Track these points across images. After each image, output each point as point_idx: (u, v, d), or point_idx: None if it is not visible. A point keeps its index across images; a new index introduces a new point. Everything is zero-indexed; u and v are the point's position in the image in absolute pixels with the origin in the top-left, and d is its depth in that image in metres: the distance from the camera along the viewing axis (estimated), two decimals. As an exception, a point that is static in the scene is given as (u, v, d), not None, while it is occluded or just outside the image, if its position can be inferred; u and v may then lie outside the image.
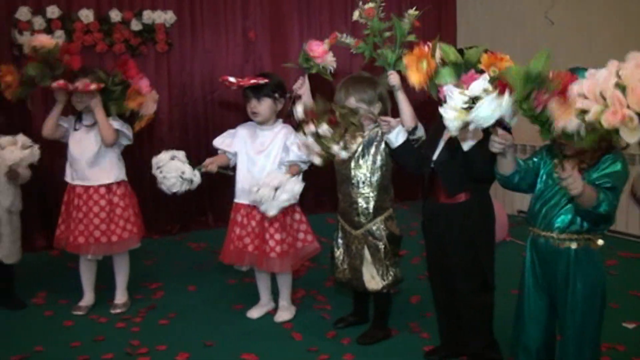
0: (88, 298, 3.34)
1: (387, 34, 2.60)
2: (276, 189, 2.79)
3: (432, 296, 2.72)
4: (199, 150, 4.79)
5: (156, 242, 4.44)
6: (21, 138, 3.09)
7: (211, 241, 4.47)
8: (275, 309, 3.23)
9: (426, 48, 2.17)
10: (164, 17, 4.48)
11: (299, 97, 2.92)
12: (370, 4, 2.61)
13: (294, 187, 2.83)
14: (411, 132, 2.63)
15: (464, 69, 2.06)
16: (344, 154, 2.56)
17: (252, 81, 2.97)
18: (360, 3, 2.67)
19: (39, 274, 3.85)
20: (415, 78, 2.14)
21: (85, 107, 3.13)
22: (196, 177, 3.03)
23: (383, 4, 2.62)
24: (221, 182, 4.65)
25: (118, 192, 3.21)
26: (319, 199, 5.13)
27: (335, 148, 2.51)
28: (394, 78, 2.56)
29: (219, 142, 3.18)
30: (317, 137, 2.51)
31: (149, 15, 4.41)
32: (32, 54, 3.05)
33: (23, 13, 4.08)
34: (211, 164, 3.09)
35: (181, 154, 3.06)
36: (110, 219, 3.17)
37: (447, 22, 5.58)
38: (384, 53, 2.58)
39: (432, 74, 2.10)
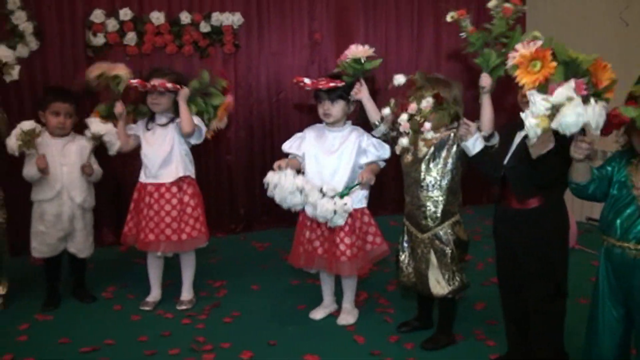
0: (155, 294, 3.41)
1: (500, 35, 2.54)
2: (335, 211, 2.80)
3: (501, 303, 2.65)
4: (263, 150, 4.85)
5: (220, 241, 4.49)
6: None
7: (274, 241, 4.52)
8: (338, 311, 3.23)
9: (537, 48, 2.08)
10: (232, 18, 4.53)
11: (358, 101, 2.99)
12: (508, 5, 2.52)
13: (346, 205, 2.82)
14: (487, 138, 2.57)
15: (573, 72, 1.96)
16: (431, 134, 2.59)
17: (332, 84, 2.97)
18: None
19: (107, 268, 3.96)
20: (527, 79, 2.06)
21: (162, 108, 3.22)
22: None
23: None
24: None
25: (189, 191, 3.27)
26: (382, 202, 5.09)
27: (427, 125, 2.55)
28: (486, 80, 2.52)
29: (287, 146, 3.19)
30: (411, 116, 2.56)
31: (217, 17, 4.48)
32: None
33: (97, 15, 4.20)
34: (286, 166, 3.10)
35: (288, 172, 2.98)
36: (181, 218, 3.23)
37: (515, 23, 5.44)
38: (488, 53, 2.53)
39: (549, 76, 2.00)
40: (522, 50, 2.03)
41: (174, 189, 3.23)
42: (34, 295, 3.45)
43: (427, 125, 2.56)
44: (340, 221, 2.84)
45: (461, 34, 2.61)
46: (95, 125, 3.26)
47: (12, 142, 3.09)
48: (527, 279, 2.47)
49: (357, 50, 2.93)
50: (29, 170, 3.23)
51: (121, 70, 3.27)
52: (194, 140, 3.31)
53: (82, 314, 3.28)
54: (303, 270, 3.24)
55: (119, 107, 3.26)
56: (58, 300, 3.40)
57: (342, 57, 3.00)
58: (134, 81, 3.11)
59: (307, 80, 3.02)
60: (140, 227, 3.26)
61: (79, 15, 4.22)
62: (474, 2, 4.76)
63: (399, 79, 2.67)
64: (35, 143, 3.15)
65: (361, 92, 2.97)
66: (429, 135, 2.59)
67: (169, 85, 3.10)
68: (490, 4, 2.55)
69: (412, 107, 2.59)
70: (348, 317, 3.16)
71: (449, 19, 2.62)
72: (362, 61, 2.92)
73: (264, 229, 4.90)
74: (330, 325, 3.14)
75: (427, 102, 2.55)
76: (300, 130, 3.25)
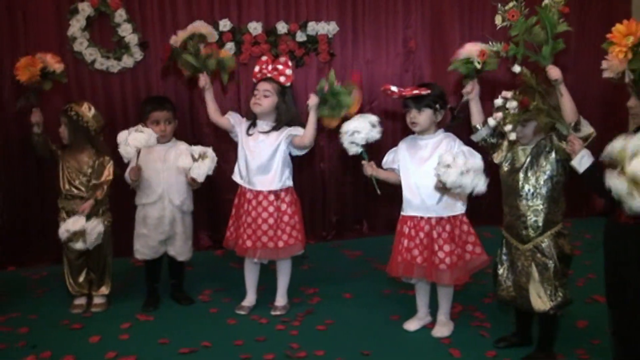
0: (250, 298, 3.47)
1: (537, 28, 2.50)
2: (463, 172, 2.70)
3: (609, 320, 2.52)
4: (356, 159, 4.82)
5: (311, 248, 4.51)
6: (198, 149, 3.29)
7: (365, 250, 4.50)
8: (432, 323, 3.17)
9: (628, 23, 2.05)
10: (327, 28, 4.56)
11: (467, 102, 2.96)
12: (511, 4, 2.59)
13: (481, 184, 2.71)
14: (575, 128, 2.49)
15: None
16: (512, 135, 2.58)
17: (415, 92, 2.94)
18: (499, 5, 2.60)
19: (204, 272, 4.07)
20: (617, 54, 2.03)
21: (261, 110, 3.27)
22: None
23: (524, 1, 2.58)
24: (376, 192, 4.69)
25: (286, 199, 3.30)
26: (475, 212, 4.96)
27: (509, 127, 2.55)
28: (554, 72, 2.48)
29: (384, 161, 3.18)
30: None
31: (313, 27, 4.52)
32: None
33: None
34: (372, 169, 3.11)
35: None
36: (278, 226, 3.27)
37: (617, 12, 5.17)
38: (537, 33, 2.48)
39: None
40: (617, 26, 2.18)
41: (272, 197, 3.27)
42: (134, 296, 3.59)
43: (508, 127, 2.55)
44: (449, 178, 2.71)
45: (501, 55, 2.74)
46: (182, 160, 3.27)
47: (126, 149, 3.16)
48: (636, 296, 2.33)
49: (472, 49, 2.88)
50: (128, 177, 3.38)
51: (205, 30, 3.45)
52: (299, 152, 3.35)
53: (180, 316, 3.38)
54: (396, 280, 3.20)
55: (202, 81, 3.35)
56: (157, 301, 3.52)
57: (456, 55, 2.97)
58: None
59: (393, 88, 2.99)
60: (238, 233, 3.32)
61: (181, 26, 4.36)
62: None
63: (516, 69, 2.58)
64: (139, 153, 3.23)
65: (472, 93, 2.92)
66: (512, 136, 2.58)
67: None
68: (497, 21, 2.65)
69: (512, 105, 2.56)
70: (443, 329, 3.09)
71: (498, 22, 2.62)
72: (475, 61, 2.87)
73: (354, 237, 4.88)
74: (425, 337, 3.08)
75: (512, 106, 2.53)
76: (393, 139, 3.22)
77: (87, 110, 3.40)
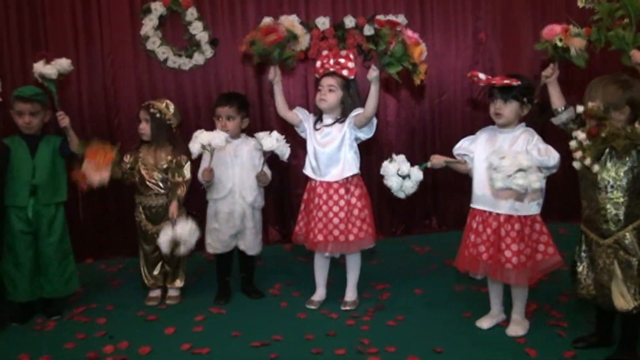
0: (320, 293, 3.47)
1: (620, 12, 2.39)
2: (519, 170, 2.62)
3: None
4: (424, 154, 4.77)
5: (380, 243, 4.47)
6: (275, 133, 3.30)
7: (435, 245, 4.44)
8: (506, 321, 3.09)
9: None
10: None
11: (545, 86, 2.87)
12: None
13: (534, 181, 2.62)
14: None
15: None
16: (596, 168, 2.55)
17: (506, 81, 2.85)
18: None
19: (274, 266, 4.10)
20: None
21: (328, 105, 3.28)
22: (414, 173, 3.01)
23: None
24: (446, 186, 4.62)
25: (356, 193, 3.30)
26: (548, 208, 4.81)
27: (588, 161, 2.52)
28: (638, 55, 2.38)
29: (457, 146, 3.11)
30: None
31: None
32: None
33: (267, 22, 4.37)
34: (438, 160, 3.08)
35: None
36: (348, 219, 3.26)
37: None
38: (618, 33, 2.36)
39: None
40: None
41: (342, 191, 3.27)
42: (207, 289, 3.66)
43: (588, 160, 2.53)
44: (498, 184, 2.65)
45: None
46: (267, 141, 3.28)
47: (193, 146, 3.21)
48: None
49: (555, 29, 2.79)
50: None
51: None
52: (364, 135, 3.32)
53: (251, 309, 3.42)
54: (468, 276, 3.14)
55: (271, 73, 3.36)
56: (229, 294, 3.58)
57: (545, 34, 2.86)
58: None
59: (481, 76, 2.90)
60: (309, 227, 3.33)
61: (249, 23, 4.42)
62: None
63: (579, 109, 2.56)
64: (212, 154, 3.27)
65: (552, 77, 2.82)
66: (595, 169, 2.56)
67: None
68: (580, 3, 2.68)
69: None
70: (518, 328, 3.01)
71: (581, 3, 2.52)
72: (557, 39, 2.76)
73: (423, 232, 4.83)
74: (499, 335, 3.01)
75: (582, 138, 2.54)
76: (463, 132, 3.15)
77: (168, 107, 3.48)
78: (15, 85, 4.07)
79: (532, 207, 2.91)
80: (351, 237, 3.26)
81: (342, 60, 3.33)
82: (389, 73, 3.15)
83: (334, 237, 3.25)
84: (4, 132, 3.62)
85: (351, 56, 3.37)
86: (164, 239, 3.22)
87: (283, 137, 3.30)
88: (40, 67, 3.26)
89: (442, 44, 4.71)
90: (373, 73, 3.15)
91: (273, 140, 3.24)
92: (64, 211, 3.42)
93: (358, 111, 3.26)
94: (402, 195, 3.02)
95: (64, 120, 3.29)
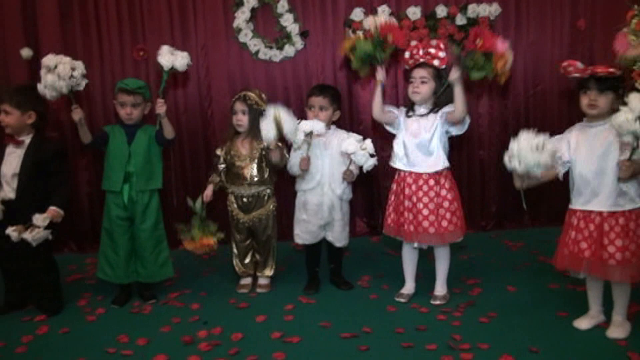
0: (409, 286, 3.44)
1: None
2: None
3: None
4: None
5: (471, 237, 4.39)
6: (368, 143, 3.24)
7: (528, 241, 4.31)
8: (606, 322, 2.95)
9: None
10: (489, 9, 4.38)
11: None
12: None
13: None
14: None
15: None
16: None
17: (610, 69, 2.72)
18: None
19: (362, 258, 4.10)
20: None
21: (421, 97, 3.23)
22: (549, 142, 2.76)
23: None
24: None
25: (446, 185, 3.24)
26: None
27: None
28: None
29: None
30: None
31: (474, 9, 4.36)
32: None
33: (357, 14, 4.36)
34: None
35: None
36: (438, 211, 3.21)
37: None
38: None
39: None
40: None
41: (432, 182, 3.22)
42: (295, 279, 3.70)
43: None
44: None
45: None
46: (346, 143, 3.22)
47: (295, 137, 3.21)
48: None
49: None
50: (293, 165, 3.46)
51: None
52: (456, 131, 3.27)
53: (340, 300, 3.43)
54: (563, 275, 3.02)
55: (380, 74, 3.27)
56: (318, 285, 3.60)
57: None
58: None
59: (579, 65, 2.78)
60: (399, 219, 3.30)
61: (339, 14, 4.42)
62: None
63: None
64: (310, 143, 3.28)
65: None
66: None
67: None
68: None
69: None
70: (619, 330, 2.87)
71: None
72: None
73: (515, 227, 4.69)
74: (599, 337, 2.87)
75: None
76: (559, 125, 3.02)
77: (262, 98, 3.53)
78: (114, 76, 4.28)
79: (634, 200, 2.77)
80: (441, 230, 3.21)
81: (432, 51, 3.27)
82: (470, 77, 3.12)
83: (423, 228, 3.20)
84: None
85: (442, 45, 3.30)
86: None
87: (370, 148, 3.21)
88: (163, 56, 3.37)
89: (537, 32, 4.55)
90: (454, 74, 3.10)
91: (351, 145, 3.20)
92: (158, 198, 3.54)
93: (451, 108, 3.19)
94: (538, 171, 2.72)
95: (162, 108, 3.40)
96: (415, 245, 3.31)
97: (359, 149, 3.18)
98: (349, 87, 4.47)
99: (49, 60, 3.24)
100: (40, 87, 3.22)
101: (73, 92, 3.30)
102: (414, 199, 3.22)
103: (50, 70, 3.21)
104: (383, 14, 4.31)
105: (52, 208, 3.16)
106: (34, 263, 3.28)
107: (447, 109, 3.22)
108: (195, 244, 3.34)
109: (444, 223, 3.21)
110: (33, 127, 3.30)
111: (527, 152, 2.62)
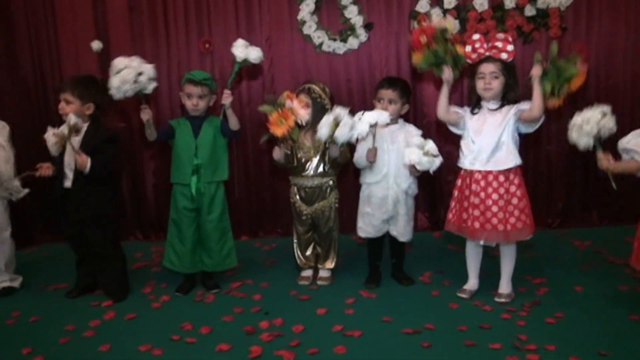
0: (472, 283, 3.38)
1: None
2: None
3: None
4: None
5: (536, 235, 4.25)
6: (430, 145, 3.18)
7: (596, 240, 4.18)
8: (681, 329, 2.84)
9: None
10: (559, 0, 4.25)
11: None
12: None
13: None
14: None
15: None
16: None
17: None
18: None
19: (424, 253, 4.06)
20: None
21: (493, 94, 3.16)
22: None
23: None
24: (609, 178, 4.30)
25: (515, 181, 3.15)
26: None
27: None
28: None
29: (624, 140, 2.89)
30: None
31: (544, 0, 4.24)
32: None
33: (423, 5, 4.30)
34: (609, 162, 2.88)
35: None
36: (507, 208, 3.13)
37: None
38: None
39: None
40: None
41: (501, 178, 3.14)
42: (356, 272, 3.69)
43: None
44: None
45: None
46: (414, 155, 3.16)
47: (360, 127, 3.16)
48: None
49: None
50: (360, 157, 3.44)
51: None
52: (526, 129, 3.18)
53: (401, 296, 3.40)
54: (633, 276, 2.90)
55: (447, 73, 3.21)
56: (379, 279, 3.58)
57: None
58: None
59: None
60: (464, 215, 3.24)
61: (404, 7, 4.36)
62: None
63: None
64: (375, 134, 3.24)
65: None
66: None
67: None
68: None
69: None
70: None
71: None
72: None
73: (582, 226, 4.55)
74: (674, 343, 2.77)
75: None
76: (632, 121, 2.90)
77: (325, 90, 3.53)
78: (181, 68, 4.35)
79: None
80: (509, 227, 3.13)
81: (499, 44, 3.18)
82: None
83: (492, 225, 3.13)
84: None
85: (510, 38, 3.21)
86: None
87: (433, 149, 3.16)
88: (237, 48, 3.41)
89: (610, 23, 4.37)
90: (535, 72, 3.02)
91: (413, 154, 3.13)
92: (224, 189, 3.58)
93: (526, 105, 3.11)
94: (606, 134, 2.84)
95: (228, 99, 3.43)
96: (482, 242, 3.25)
97: (422, 157, 3.12)
98: (413, 82, 4.41)
99: (118, 62, 3.29)
100: (109, 85, 3.28)
101: (143, 93, 3.35)
102: (482, 195, 3.15)
103: (118, 72, 3.27)
104: (449, 5, 4.25)
105: (87, 157, 3.21)
106: (103, 249, 3.39)
107: (523, 105, 3.13)
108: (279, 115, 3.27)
109: (512, 220, 3.13)
110: (89, 117, 3.38)
111: (592, 116, 2.78)
